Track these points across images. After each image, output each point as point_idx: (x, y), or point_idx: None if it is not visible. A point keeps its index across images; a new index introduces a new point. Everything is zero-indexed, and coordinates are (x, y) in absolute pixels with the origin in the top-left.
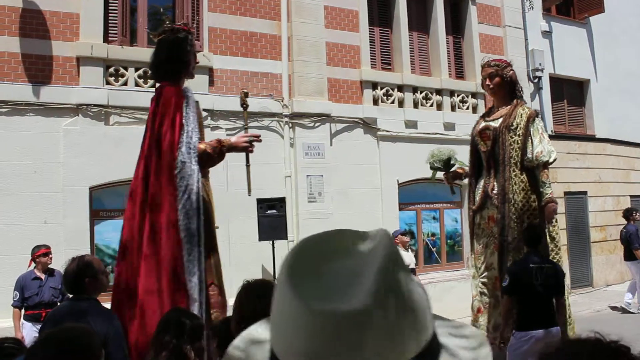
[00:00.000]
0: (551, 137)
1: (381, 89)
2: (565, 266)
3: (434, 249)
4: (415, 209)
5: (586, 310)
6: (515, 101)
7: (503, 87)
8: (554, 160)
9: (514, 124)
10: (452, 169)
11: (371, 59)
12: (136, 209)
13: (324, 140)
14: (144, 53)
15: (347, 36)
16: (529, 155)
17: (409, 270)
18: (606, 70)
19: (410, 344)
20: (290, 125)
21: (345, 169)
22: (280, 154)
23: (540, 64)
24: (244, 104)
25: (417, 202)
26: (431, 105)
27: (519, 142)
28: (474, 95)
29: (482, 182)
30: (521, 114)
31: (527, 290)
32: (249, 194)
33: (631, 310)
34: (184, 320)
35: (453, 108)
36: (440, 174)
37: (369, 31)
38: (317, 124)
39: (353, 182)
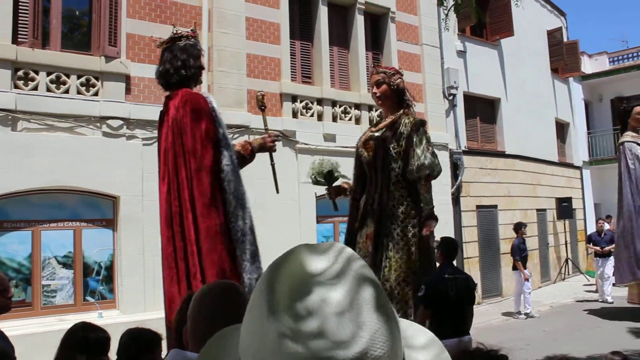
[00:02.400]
0: (464, 152)
1: (301, 102)
2: (477, 277)
3: None
4: (332, 222)
5: (496, 319)
6: (402, 110)
7: (390, 95)
8: (438, 173)
9: (398, 133)
10: (335, 182)
11: (291, 72)
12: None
13: None
14: (58, 57)
15: (268, 48)
16: (411, 167)
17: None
18: (515, 90)
19: None
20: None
21: (263, 182)
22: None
23: (454, 82)
24: (263, 106)
25: (334, 215)
26: (350, 119)
27: (401, 152)
28: None
29: (364, 198)
30: (406, 123)
31: (441, 300)
32: (277, 192)
33: (534, 316)
34: (88, 334)
35: (372, 123)
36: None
37: (290, 44)
38: (235, 136)
39: (271, 194)
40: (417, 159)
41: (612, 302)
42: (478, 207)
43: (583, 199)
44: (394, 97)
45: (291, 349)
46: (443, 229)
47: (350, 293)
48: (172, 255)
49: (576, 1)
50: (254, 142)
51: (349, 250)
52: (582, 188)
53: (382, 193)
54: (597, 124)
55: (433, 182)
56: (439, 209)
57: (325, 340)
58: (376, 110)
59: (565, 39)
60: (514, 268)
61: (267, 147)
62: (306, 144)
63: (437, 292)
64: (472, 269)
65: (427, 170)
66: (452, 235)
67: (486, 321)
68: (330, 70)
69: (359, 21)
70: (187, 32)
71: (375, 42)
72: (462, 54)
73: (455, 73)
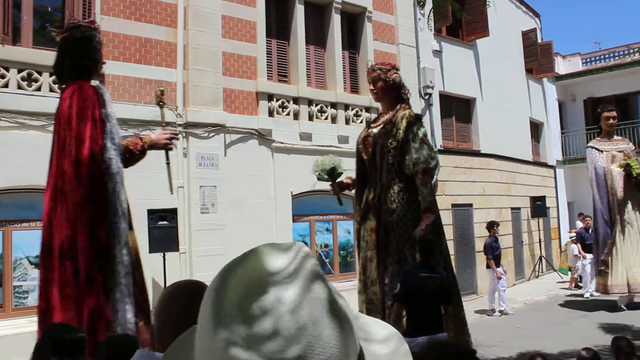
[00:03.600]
0: (440, 151)
1: (277, 100)
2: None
3: (327, 260)
4: (308, 221)
5: (470, 317)
6: (398, 106)
7: (387, 91)
8: (435, 166)
9: (394, 129)
10: (339, 178)
11: (268, 70)
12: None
13: (218, 151)
14: (29, 53)
15: (244, 47)
16: (408, 162)
17: (329, 294)
18: (490, 90)
19: None
20: (184, 134)
21: (240, 180)
22: (173, 164)
23: (431, 82)
24: (161, 102)
25: (310, 213)
26: (326, 118)
27: (399, 147)
28: (368, 109)
29: (366, 192)
30: (402, 119)
31: (416, 298)
32: (171, 192)
33: (509, 313)
34: (65, 335)
35: (347, 121)
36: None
37: (267, 43)
38: (211, 134)
39: (247, 193)
40: (414, 153)
41: (597, 296)
42: (453, 205)
43: (556, 197)
44: (391, 92)
45: (241, 356)
46: None
47: (302, 291)
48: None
49: (550, 3)
50: (146, 138)
51: (305, 249)
52: (556, 187)
53: (382, 188)
54: (570, 124)
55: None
56: None
57: (276, 342)
58: (352, 109)
59: (539, 40)
60: (488, 266)
61: (162, 144)
62: (282, 143)
63: (413, 290)
64: None
65: (423, 164)
66: None
67: None
68: (307, 69)
69: (336, 20)
70: (86, 23)
71: (352, 41)
72: (438, 53)
73: (431, 72)
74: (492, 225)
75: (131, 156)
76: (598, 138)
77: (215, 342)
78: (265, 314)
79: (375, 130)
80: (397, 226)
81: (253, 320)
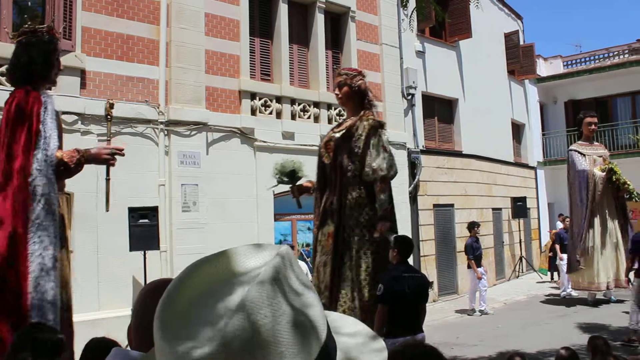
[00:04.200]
0: (422, 152)
1: (259, 99)
2: (434, 274)
3: (308, 259)
4: (290, 220)
5: (451, 316)
6: (362, 112)
7: (352, 97)
8: (394, 174)
9: (356, 135)
10: (299, 182)
11: (250, 69)
12: None
13: (200, 149)
14: (8, 49)
15: (228, 45)
16: (367, 169)
17: (293, 296)
18: (472, 91)
19: None
20: (166, 132)
21: (221, 179)
22: (155, 162)
23: (413, 82)
24: (109, 115)
25: (292, 212)
26: (309, 118)
27: (359, 154)
28: None
29: (325, 197)
30: (364, 125)
31: (398, 298)
32: (107, 209)
33: (489, 312)
34: (42, 335)
35: (330, 121)
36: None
37: (250, 41)
38: (193, 132)
39: (229, 192)
40: (373, 160)
41: (576, 296)
42: (435, 205)
43: (537, 198)
44: (355, 98)
45: (164, 347)
46: (400, 227)
47: (259, 296)
48: None
49: (532, 5)
50: (86, 152)
51: (282, 255)
52: (537, 188)
53: (341, 193)
54: (551, 126)
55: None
56: (396, 207)
57: (184, 340)
58: (335, 109)
59: (521, 42)
60: (469, 266)
61: (102, 159)
62: (264, 142)
63: (395, 290)
64: (429, 266)
65: (382, 172)
66: (410, 233)
67: (442, 318)
68: (290, 68)
69: (319, 20)
70: (42, 27)
71: (335, 40)
72: (421, 54)
73: (414, 73)
74: (473, 226)
75: (66, 169)
76: (579, 142)
77: (158, 341)
78: (216, 316)
79: (337, 135)
80: (354, 232)
81: (198, 321)
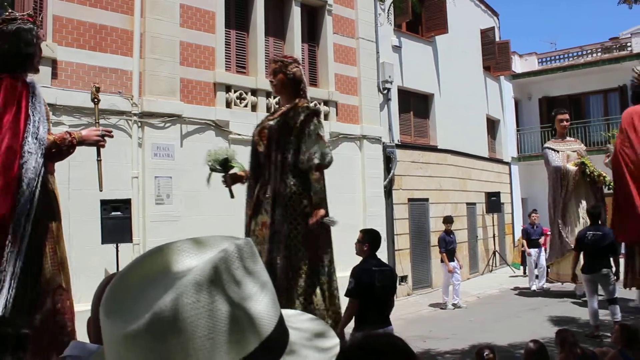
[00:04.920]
0: (397, 146)
1: (235, 92)
2: (408, 268)
3: None
4: None
5: (425, 310)
6: (297, 100)
7: (287, 85)
8: (329, 163)
9: (291, 123)
10: (232, 170)
11: (226, 61)
12: None
13: (174, 142)
14: None
15: (203, 37)
16: (302, 157)
17: (229, 288)
18: (448, 86)
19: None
20: (140, 124)
21: (196, 171)
22: (128, 154)
23: (389, 77)
24: (95, 99)
25: None
26: None
27: (294, 142)
28: (326, 102)
29: (258, 186)
30: (299, 113)
31: (369, 292)
32: (101, 190)
33: (462, 306)
34: (6, 329)
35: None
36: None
37: (225, 33)
38: (167, 125)
39: (203, 184)
40: (309, 148)
41: (548, 289)
42: (410, 200)
43: (511, 193)
44: (290, 86)
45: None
46: (375, 222)
47: (187, 297)
48: None
49: (509, 2)
50: (75, 134)
51: (225, 252)
52: (511, 183)
53: (276, 182)
54: (526, 122)
55: (366, 175)
56: (372, 201)
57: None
58: (311, 102)
59: (497, 39)
60: (442, 260)
61: (92, 141)
62: (239, 135)
63: (365, 284)
64: (403, 260)
65: (318, 160)
66: (384, 227)
67: (415, 312)
68: (266, 61)
69: (296, 13)
70: (23, 15)
71: (312, 34)
72: (397, 49)
73: (390, 67)
74: (448, 220)
75: (58, 151)
76: (553, 139)
77: (105, 334)
78: (146, 313)
79: (272, 123)
80: (289, 222)
81: (129, 317)
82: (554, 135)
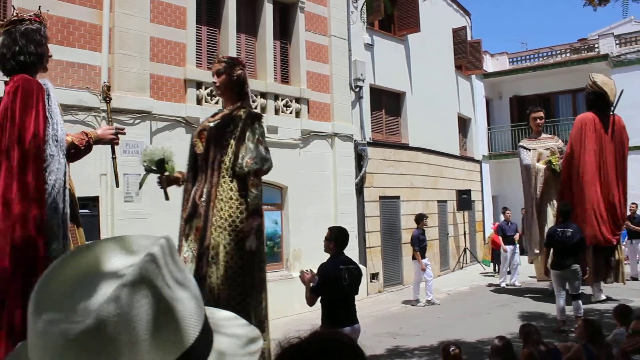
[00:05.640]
0: (369, 144)
1: (205, 88)
2: (379, 266)
3: None
4: None
5: (396, 307)
6: (239, 102)
7: (230, 86)
8: (268, 169)
9: (231, 126)
10: (168, 172)
11: (197, 57)
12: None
13: (144, 138)
14: None
15: (173, 32)
16: (240, 161)
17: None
18: (420, 84)
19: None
20: (108, 121)
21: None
22: (96, 151)
23: (361, 75)
24: (107, 97)
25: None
26: (256, 108)
27: (233, 146)
28: (298, 100)
29: (195, 188)
30: (240, 116)
31: (336, 289)
32: (117, 186)
33: (435, 302)
34: None
35: (277, 112)
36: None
37: (196, 29)
38: (137, 121)
39: None
40: (247, 153)
41: (519, 286)
42: (381, 197)
43: (482, 191)
44: (233, 88)
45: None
46: (346, 219)
47: (114, 300)
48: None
49: (481, 2)
50: (91, 134)
51: (151, 253)
52: (481, 181)
53: (212, 185)
54: (496, 120)
55: (338, 172)
56: (343, 199)
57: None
58: (283, 100)
59: (469, 38)
60: (414, 258)
61: (107, 139)
62: None
63: (333, 282)
64: (375, 258)
65: (256, 165)
66: (356, 225)
67: (386, 309)
68: (237, 57)
69: (268, 9)
70: (30, 15)
71: (284, 31)
72: (369, 47)
73: (362, 65)
74: (421, 218)
75: (77, 151)
76: (527, 138)
77: (30, 331)
78: (87, 314)
79: (212, 125)
80: (223, 226)
81: (68, 316)
82: (530, 134)
